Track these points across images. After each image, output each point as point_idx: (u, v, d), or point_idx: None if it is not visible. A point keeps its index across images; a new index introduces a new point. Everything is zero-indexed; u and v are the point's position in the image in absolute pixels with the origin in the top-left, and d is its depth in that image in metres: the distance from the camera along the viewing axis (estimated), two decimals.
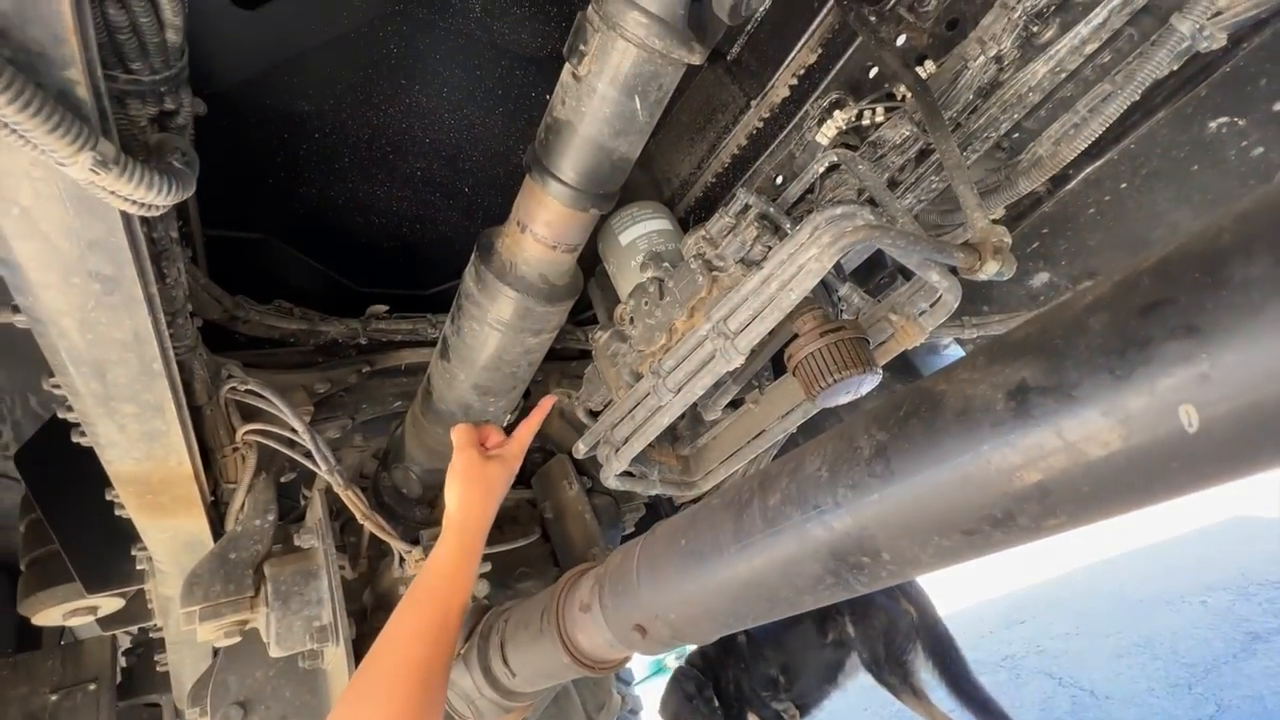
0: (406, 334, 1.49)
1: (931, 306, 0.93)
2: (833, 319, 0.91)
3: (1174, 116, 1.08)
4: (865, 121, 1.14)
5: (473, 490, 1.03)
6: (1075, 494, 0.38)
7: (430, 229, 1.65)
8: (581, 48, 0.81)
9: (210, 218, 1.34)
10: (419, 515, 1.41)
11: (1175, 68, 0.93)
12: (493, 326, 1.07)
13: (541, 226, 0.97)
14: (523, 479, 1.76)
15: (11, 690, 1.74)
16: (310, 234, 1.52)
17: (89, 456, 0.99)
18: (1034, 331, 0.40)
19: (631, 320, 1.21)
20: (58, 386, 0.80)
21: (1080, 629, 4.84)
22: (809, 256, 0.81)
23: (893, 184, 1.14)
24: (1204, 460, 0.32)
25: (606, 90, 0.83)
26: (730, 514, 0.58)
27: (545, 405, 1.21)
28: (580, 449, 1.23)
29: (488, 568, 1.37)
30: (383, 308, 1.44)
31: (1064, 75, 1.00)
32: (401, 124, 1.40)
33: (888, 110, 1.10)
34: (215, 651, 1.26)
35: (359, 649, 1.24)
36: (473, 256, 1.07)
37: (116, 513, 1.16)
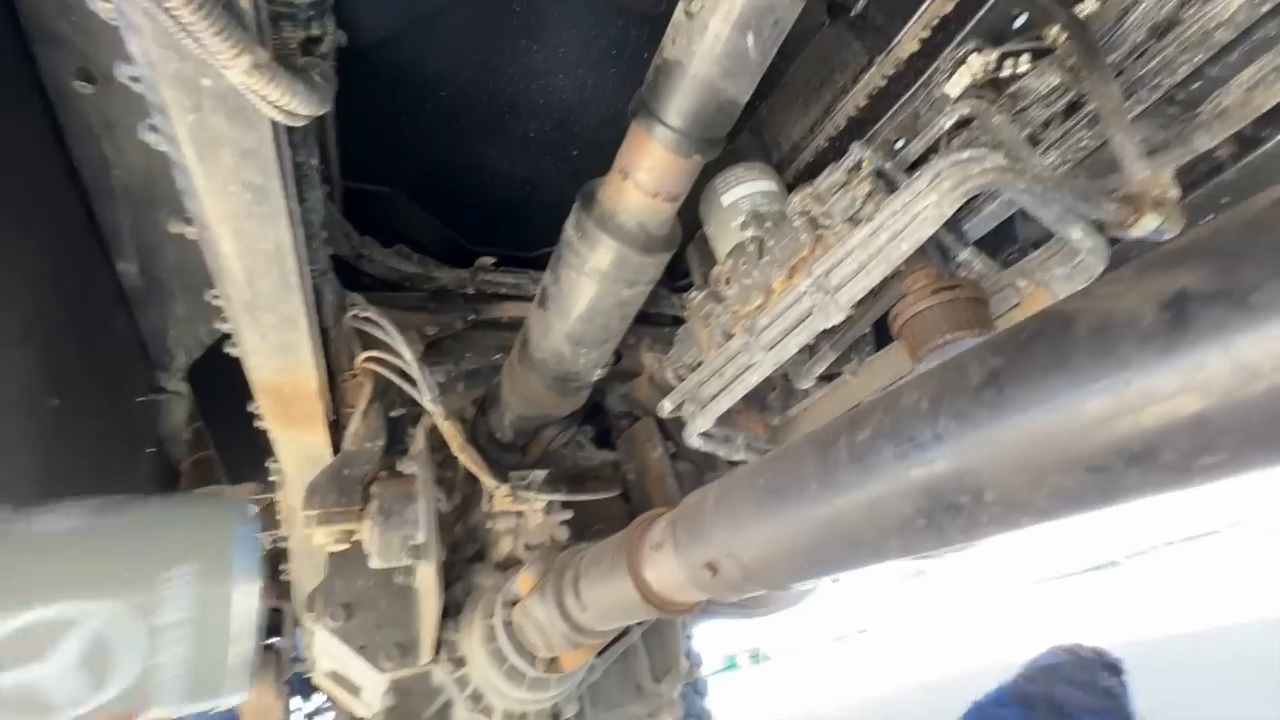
0: (510, 287, 1.56)
1: (1070, 271, 0.82)
2: (947, 278, 0.84)
3: None
4: (1005, 73, 1.03)
5: None
6: (1243, 426, 0.31)
7: (539, 191, 1.70)
8: None
9: (346, 170, 1.48)
10: (509, 459, 1.48)
11: None
12: (590, 275, 1.09)
13: (644, 173, 0.97)
14: (608, 442, 1.79)
15: None
16: (431, 191, 1.62)
17: (241, 376, 1.13)
18: (1202, 235, 0.34)
19: (728, 281, 1.19)
20: (216, 297, 0.92)
21: (1227, 688, 4.19)
22: (926, 204, 0.74)
23: (1032, 142, 1.02)
24: None
25: (719, 27, 0.80)
26: (815, 451, 0.55)
27: None
28: (666, 406, 1.23)
29: (569, 515, 1.42)
30: (490, 259, 1.51)
31: (1267, 7, 0.84)
32: (519, 84, 1.45)
33: (1034, 56, 0.98)
34: None
35: (447, 574, 1.33)
36: (575, 205, 1.09)
37: (256, 424, 1.32)
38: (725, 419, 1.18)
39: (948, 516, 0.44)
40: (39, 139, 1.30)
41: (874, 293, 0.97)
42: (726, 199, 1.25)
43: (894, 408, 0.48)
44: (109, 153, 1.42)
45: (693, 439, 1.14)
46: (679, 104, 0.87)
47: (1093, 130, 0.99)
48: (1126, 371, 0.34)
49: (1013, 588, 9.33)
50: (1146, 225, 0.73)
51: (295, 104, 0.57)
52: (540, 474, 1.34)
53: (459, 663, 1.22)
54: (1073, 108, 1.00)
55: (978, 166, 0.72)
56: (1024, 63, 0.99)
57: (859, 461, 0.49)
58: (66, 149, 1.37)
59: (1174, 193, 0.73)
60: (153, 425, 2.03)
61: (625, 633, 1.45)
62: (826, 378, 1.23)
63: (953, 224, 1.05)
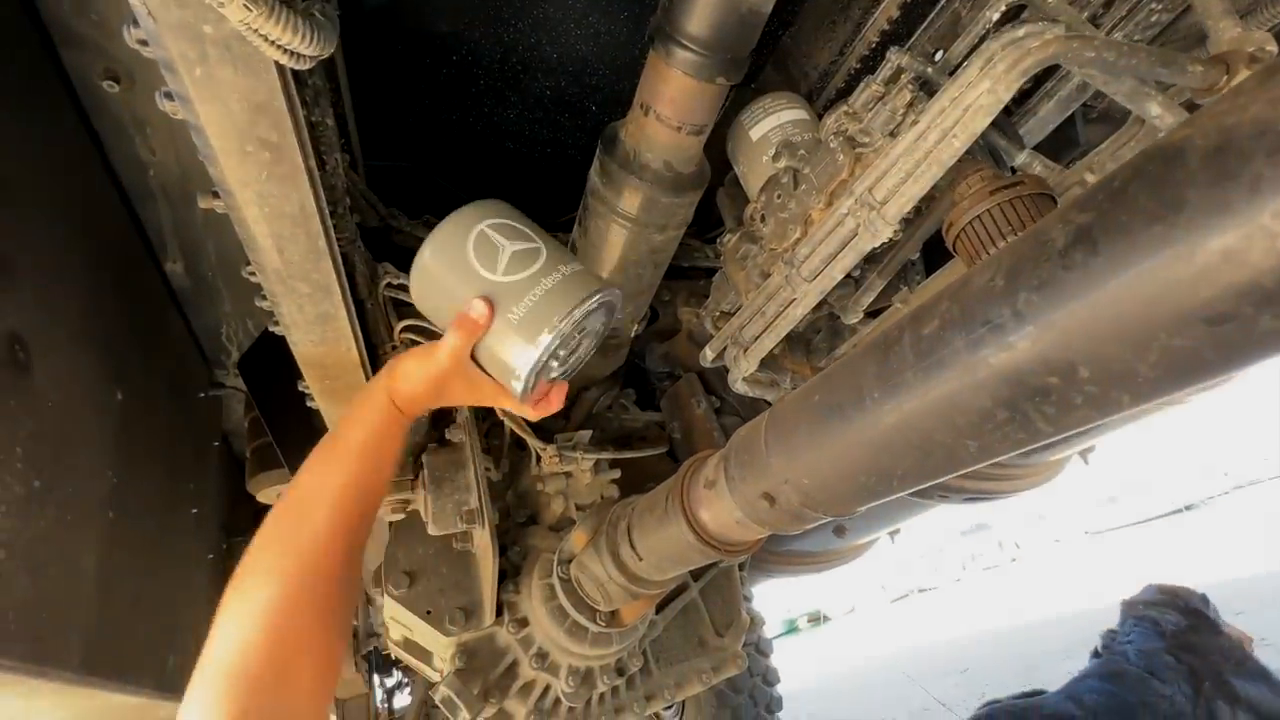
0: None
1: None
2: (1006, 177, 0.76)
3: None
4: None
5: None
6: None
7: (560, 154, 1.67)
8: None
9: (366, 148, 1.47)
10: (553, 424, 1.48)
11: None
12: (618, 222, 1.06)
13: (665, 105, 0.92)
14: (651, 403, 1.77)
15: None
16: (452, 162, 1.61)
17: (288, 362, 1.15)
18: None
19: (763, 218, 1.13)
20: (253, 273, 0.93)
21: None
22: (979, 92, 0.67)
23: (1093, 24, 0.92)
24: None
25: None
26: (874, 357, 0.50)
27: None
28: (707, 355, 1.20)
29: (617, 474, 1.41)
30: None
31: None
32: (530, 39, 1.41)
33: None
34: None
35: (502, 539, 1.34)
36: (597, 151, 1.05)
37: (308, 404, 1.35)
38: (770, 362, 1.14)
39: (1034, 404, 0.40)
40: (78, 143, 1.33)
41: (922, 208, 0.90)
42: (755, 133, 1.19)
43: (962, 293, 0.43)
44: (143, 154, 1.45)
45: (738, 384, 1.10)
46: (698, 19, 0.82)
47: (1163, 2, 0.89)
48: (1259, 193, 0.28)
49: (1076, 538, 9.01)
50: None
51: (297, 41, 0.55)
52: (585, 434, 1.33)
53: (522, 623, 1.24)
54: None
55: (1036, 40, 0.64)
56: None
57: (926, 358, 0.45)
58: (104, 153, 1.41)
59: (1272, 47, 0.64)
60: (216, 421, 2.12)
61: (684, 588, 1.44)
62: (873, 314, 1.17)
63: (1006, 128, 0.96)
